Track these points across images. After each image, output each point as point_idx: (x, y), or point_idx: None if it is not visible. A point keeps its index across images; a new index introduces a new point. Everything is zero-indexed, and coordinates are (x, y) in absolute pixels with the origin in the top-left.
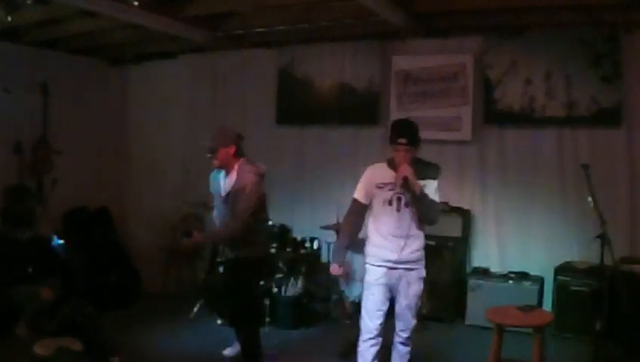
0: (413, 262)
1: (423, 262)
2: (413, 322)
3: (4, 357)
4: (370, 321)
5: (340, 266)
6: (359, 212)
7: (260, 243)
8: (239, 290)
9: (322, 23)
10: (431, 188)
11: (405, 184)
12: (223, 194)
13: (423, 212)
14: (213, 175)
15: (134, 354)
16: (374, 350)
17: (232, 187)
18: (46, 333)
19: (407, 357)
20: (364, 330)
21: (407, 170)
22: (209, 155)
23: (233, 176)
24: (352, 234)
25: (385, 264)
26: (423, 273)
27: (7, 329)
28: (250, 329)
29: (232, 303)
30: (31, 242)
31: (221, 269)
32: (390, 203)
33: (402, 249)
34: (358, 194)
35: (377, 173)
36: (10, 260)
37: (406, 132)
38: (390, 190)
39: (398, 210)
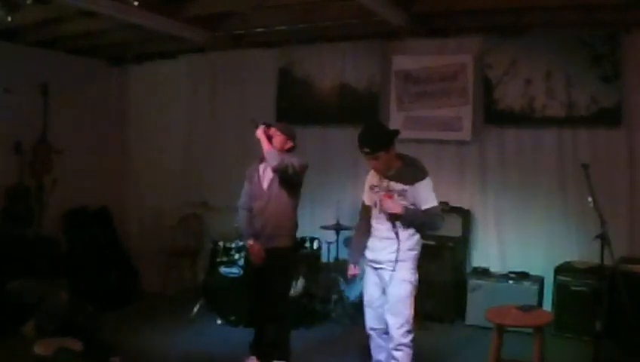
0: (391, 262)
1: (408, 264)
2: (396, 331)
3: (4, 357)
4: (367, 320)
5: (355, 266)
6: (365, 212)
7: (294, 235)
8: (285, 279)
9: (322, 23)
10: (419, 195)
11: (392, 218)
12: (266, 184)
13: (419, 228)
14: (250, 171)
15: (134, 354)
16: (373, 343)
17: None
18: (46, 333)
19: None
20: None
21: (386, 205)
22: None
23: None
24: (362, 234)
25: (370, 263)
26: (406, 276)
27: (10, 328)
28: (287, 327)
29: (275, 293)
30: (33, 241)
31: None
32: (375, 205)
33: (382, 250)
34: (364, 196)
35: (372, 175)
36: (16, 259)
37: (366, 141)
38: (376, 192)
39: (380, 212)
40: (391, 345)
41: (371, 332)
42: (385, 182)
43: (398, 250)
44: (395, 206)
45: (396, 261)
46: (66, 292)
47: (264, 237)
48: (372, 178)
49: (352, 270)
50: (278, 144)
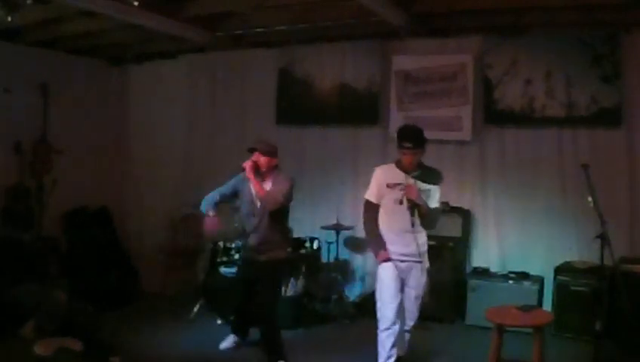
0: (421, 254)
1: (427, 255)
2: (418, 313)
3: (4, 358)
4: (388, 311)
5: (385, 251)
6: (374, 209)
7: (288, 246)
8: (275, 290)
9: (322, 23)
10: (435, 195)
11: (413, 205)
12: (259, 203)
13: (426, 223)
14: (239, 180)
15: (134, 354)
16: (393, 338)
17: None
18: (46, 333)
19: (406, 344)
20: (382, 321)
21: (413, 193)
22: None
23: (268, 183)
24: (377, 227)
25: (397, 258)
26: (427, 264)
27: (9, 329)
28: (277, 327)
29: (267, 303)
30: (31, 244)
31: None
32: (401, 202)
33: (413, 243)
34: (370, 195)
35: (388, 173)
36: (14, 261)
37: (411, 137)
38: (401, 190)
39: (409, 208)
40: (407, 326)
41: (394, 327)
42: (411, 181)
43: (425, 243)
44: (419, 195)
45: (424, 252)
46: (65, 292)
47: (260, 252)
48: (389, 176)
49: (383, 255)
50: (264, 165)
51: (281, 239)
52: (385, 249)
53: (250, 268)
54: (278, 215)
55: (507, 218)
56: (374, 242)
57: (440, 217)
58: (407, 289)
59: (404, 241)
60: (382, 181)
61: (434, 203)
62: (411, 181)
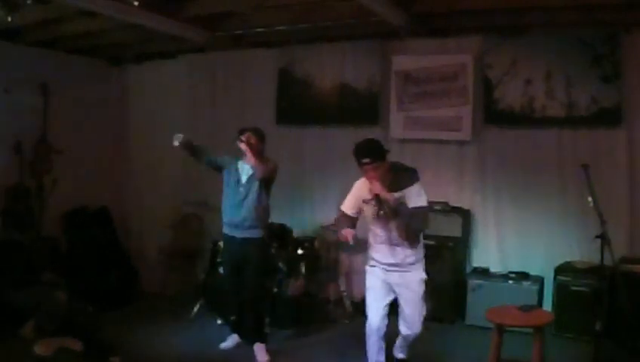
0: (409, 265)
1: (421, 265)
2: (419, 328)
3: (4, 358)
4: (373, 319)
5: (350, 229)
6: (347, 220)
7: (267, 228)
8: (259, 267)
9: (322, 23)
10: (411, 195)
11: (379, 202)
12: (244, 179)
13: (405, 224)
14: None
15: (134, 354)
16: (378, 345)
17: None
18: (46, 333)
19: (407, 349)
20: (368, 328)
21: (377, 188)
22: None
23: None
24: (347, 223)
25: (382, 266)
26: (423, 275)
27: (9, 329)
28: (262, 307)
29: (253, 281)
30: (34, 243)
31: (222, 264)
32: (378, 215)
33: (397, 255)
34: (345, 206)
35: (364, 188)
36: (14, 261)
37: (366, 151)
38: (374, 205)
39: (387, 220)
40: (411, 337)
41: (378, 333)
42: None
43: (414, 254)
44: (389, 196)
45: (412, 264)
46: (65, 292)
47: (242, 229)
48: (364, 192)
49: (348, 232)
50: (255, 145)
51: (262, 218)
52: (349, 228)
53: (233, 248)
54: (262, 193)
55: (507, 218)
56: (340, 222)
57: (426, 217)
58: (400, 301)
59: (390, 252)
60: (358, 195)
61: (413, 203)
62: (377, 187)
